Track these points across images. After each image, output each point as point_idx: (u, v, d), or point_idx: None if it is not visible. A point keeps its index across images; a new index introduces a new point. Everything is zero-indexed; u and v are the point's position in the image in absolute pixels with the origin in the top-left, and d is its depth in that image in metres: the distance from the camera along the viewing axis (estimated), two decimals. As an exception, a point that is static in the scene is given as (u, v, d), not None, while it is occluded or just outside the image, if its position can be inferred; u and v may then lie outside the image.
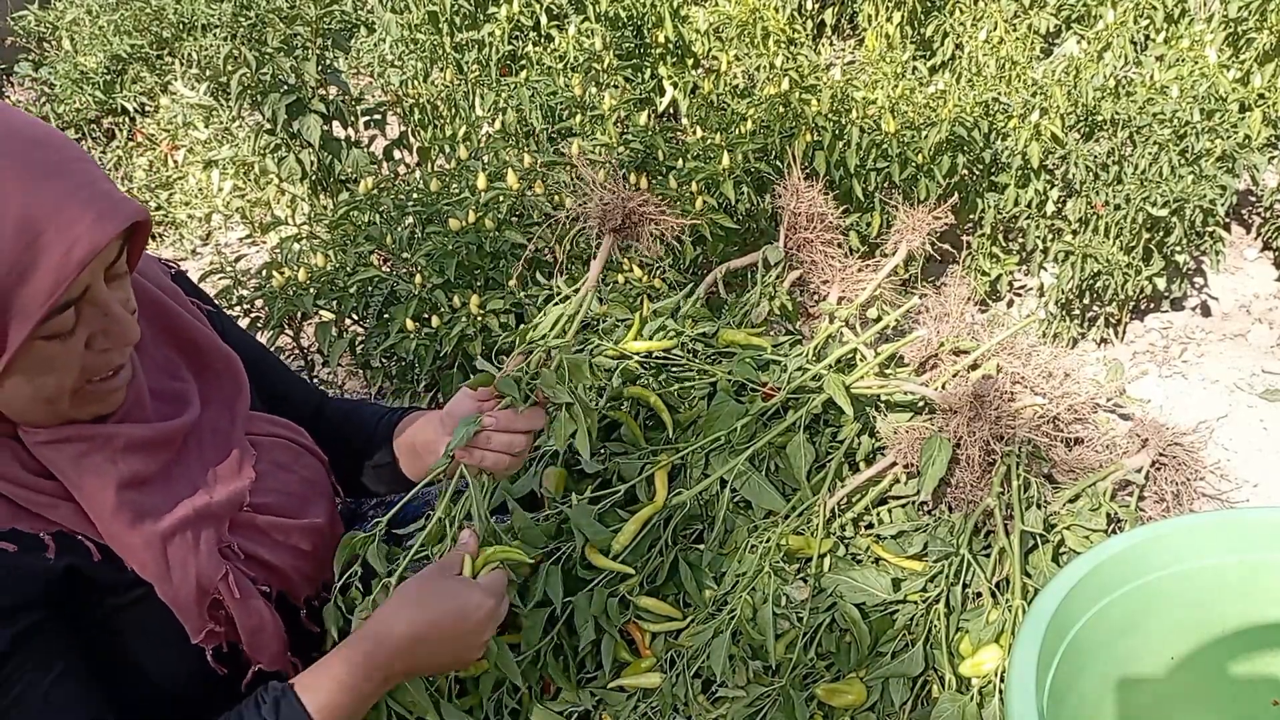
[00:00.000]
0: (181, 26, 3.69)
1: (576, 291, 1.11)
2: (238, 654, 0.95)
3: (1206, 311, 2.74)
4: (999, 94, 2.71)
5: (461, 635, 0.94)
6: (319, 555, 1.05)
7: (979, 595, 1.25)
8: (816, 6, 3.90)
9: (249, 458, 1.00)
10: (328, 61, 2.66)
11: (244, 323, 1.89)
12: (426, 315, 1.75)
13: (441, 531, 1.05)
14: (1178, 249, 2.45)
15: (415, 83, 3.04)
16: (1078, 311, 2.60)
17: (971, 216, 2.68)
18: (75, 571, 0.84)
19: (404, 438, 1.16)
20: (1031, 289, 2.79)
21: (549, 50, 2.82)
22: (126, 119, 3.81)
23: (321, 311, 1.85)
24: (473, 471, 1.05)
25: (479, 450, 1.03)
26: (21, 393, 0.79)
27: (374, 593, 0.99)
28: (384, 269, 1.90)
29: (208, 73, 3.38)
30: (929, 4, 3.63)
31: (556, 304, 1.11)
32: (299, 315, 1.92)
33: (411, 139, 2.93)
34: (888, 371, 1.53)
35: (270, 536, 0.99)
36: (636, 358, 1.46)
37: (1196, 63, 2.65)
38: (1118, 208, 2.38)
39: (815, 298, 1.78)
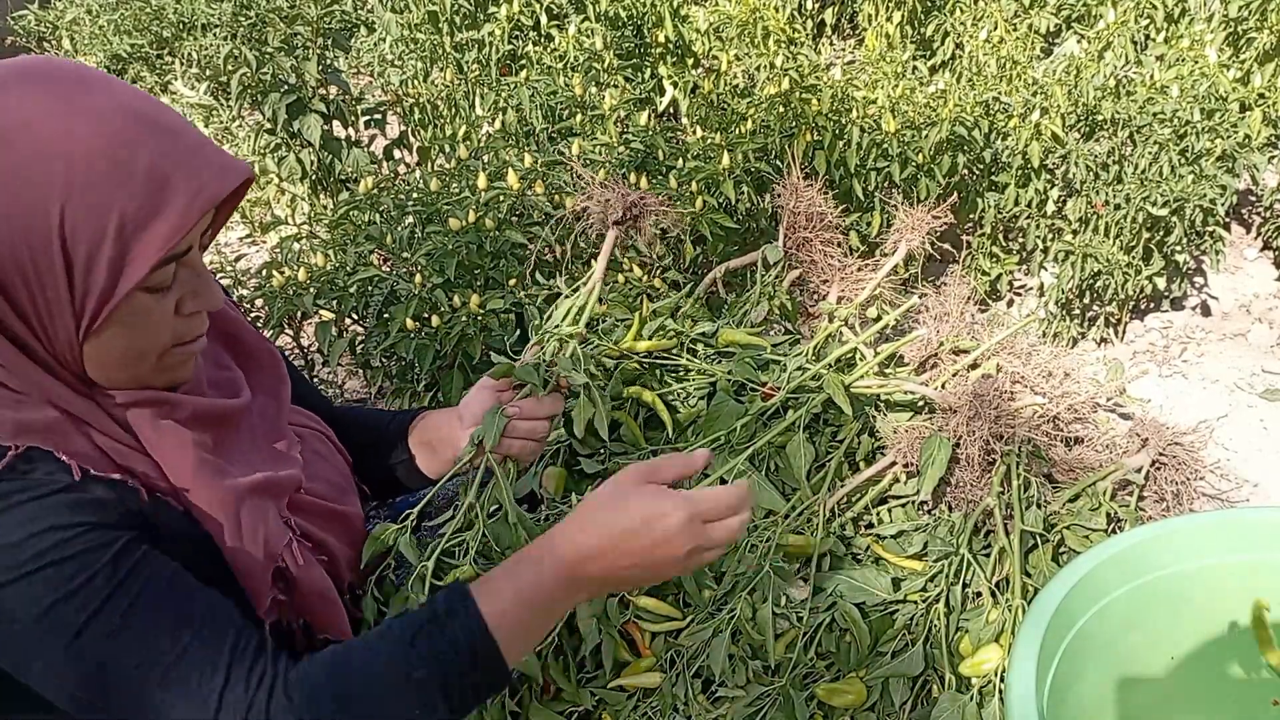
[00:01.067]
0: (181, 26, 3.69)
1: (585, 284, 1.14)
2: (292, 634, 0.94)
3: (1206, 311, 2.74)
4: (999, 93, 2.71)
5: (648, 549, 0.85)
6: (358, 544, 1.07)
7: (979, 595, 1.25)
8: (816, 6, 3.90)
9: (295, 445, 1.02)
10: (328, 61, 2.66)
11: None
12: (426, 315, 1.75)
13: (471, 520, 1.06)
14: (1178, 249, 2.45)
15: (415, 82, 3.04)
16: (1078, 311, 2.60)
17: (971, 216, 2.68)
18: (162, 522, 0.84)
19: (418, 435, 1.18)
20: (1031, 289, 2.79)
21: (549, 50, 2.82)
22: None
23: (321, 311, 1.85)
24: (497, 460, 1.07)
25: (506, 439, 1.06)
26: (115, 345, 0.80)
27: (410, 581, 1.01)
28: (384, 269, 1.90)
29: (208, 72, 3.38)
30: (929, 4, 3.63)
31: (566, 297, 1.14)
32: (299, 315, 1.92)
33: (411, 139, 2.93)
34: (887, 371, 1.53)
35: (323, 519, 1.00)
36: (637, 357, 1.46)
37: (1197, 62, 2.65)
38: (1118, 207, 2.38)
39: (815, 297, 1.78)
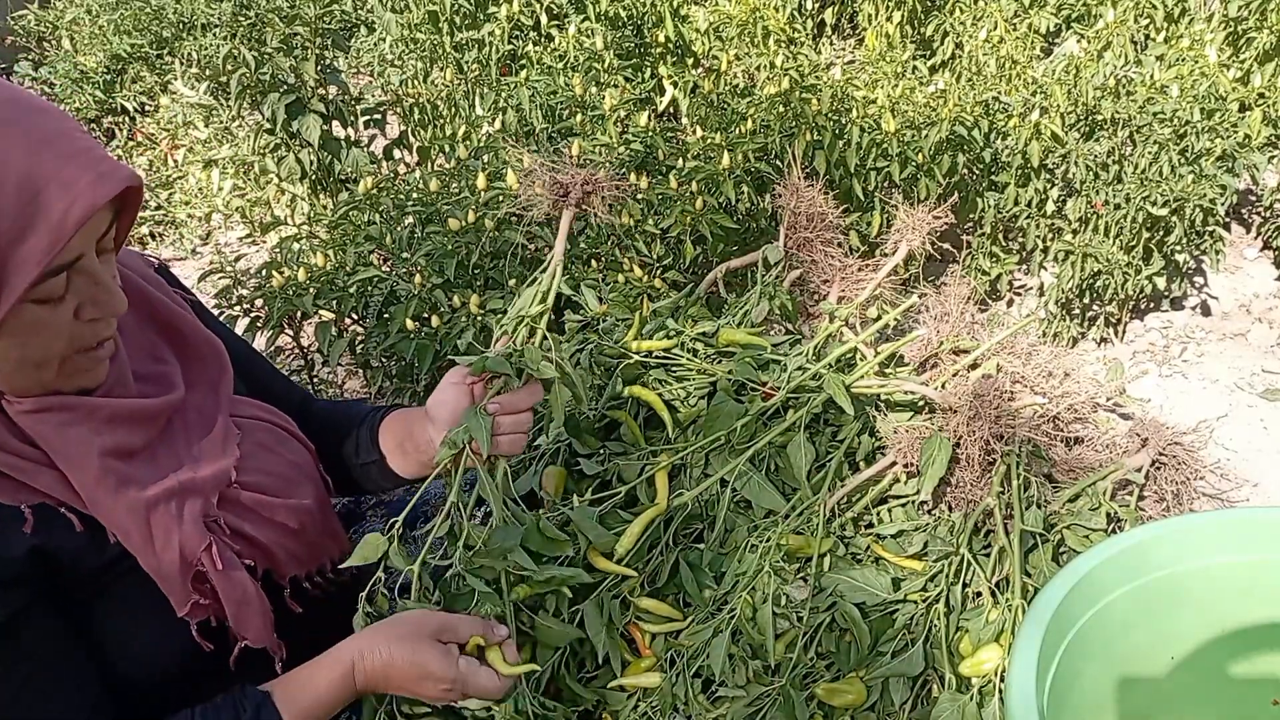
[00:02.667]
0: (181, 26, 3.68)
1: (545, 268, 1.12)
2: (224, 631, 0.95)
3: (1206, 311, 2.74)
4: (999, 93, 2.71)
5: (419, 690, 0.98)
6: (307, 536, 1.05)
7: (979, 595, 1.25)
8: (816, 6, 3.90)
9: (234, 437, 1.01)
10: (327, 61, 2.66)
11: (244, 323, 1.89)
12: (426, 315, 1.75)
13: (459, 524, 1.05)
14: (1178, 248, 2.45)
15: (415, 82, 3.04)
16: (1078, 311, 2.60)
17: (971, 216, 2.68)
18: (52, 552, 0.84)
19: (390, 437, 1.16)
20: (1031, 289, 2.79)
21: (549, 50, 2.82)
22: (126, 118, 3.81)
23: (321, 311, 1.85)
24: (481, 461, 1.05)
25: (494, 437, 1.04)
26: (9, 357, 0.80)
27: (413, 596, 1.02)
28: (384, 269, 1.90)
29: (207, 72, 3.38)
30: (929, 3, 3.63)
31: (529, 285, 1.12)
32: (299, 315, 1.91)
33: (411, 139, 2.93)
34: (888, 371, 1.53)
35: (256, 513, 0.99)
36: (637, 357, 1.46)
37: (1196, 62, 2.65)
38: (1118, 207, 2.38)
39: (815, 297, 1.78)
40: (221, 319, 1.67)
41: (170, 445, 0.94)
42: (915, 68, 3.11)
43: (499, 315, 1.73)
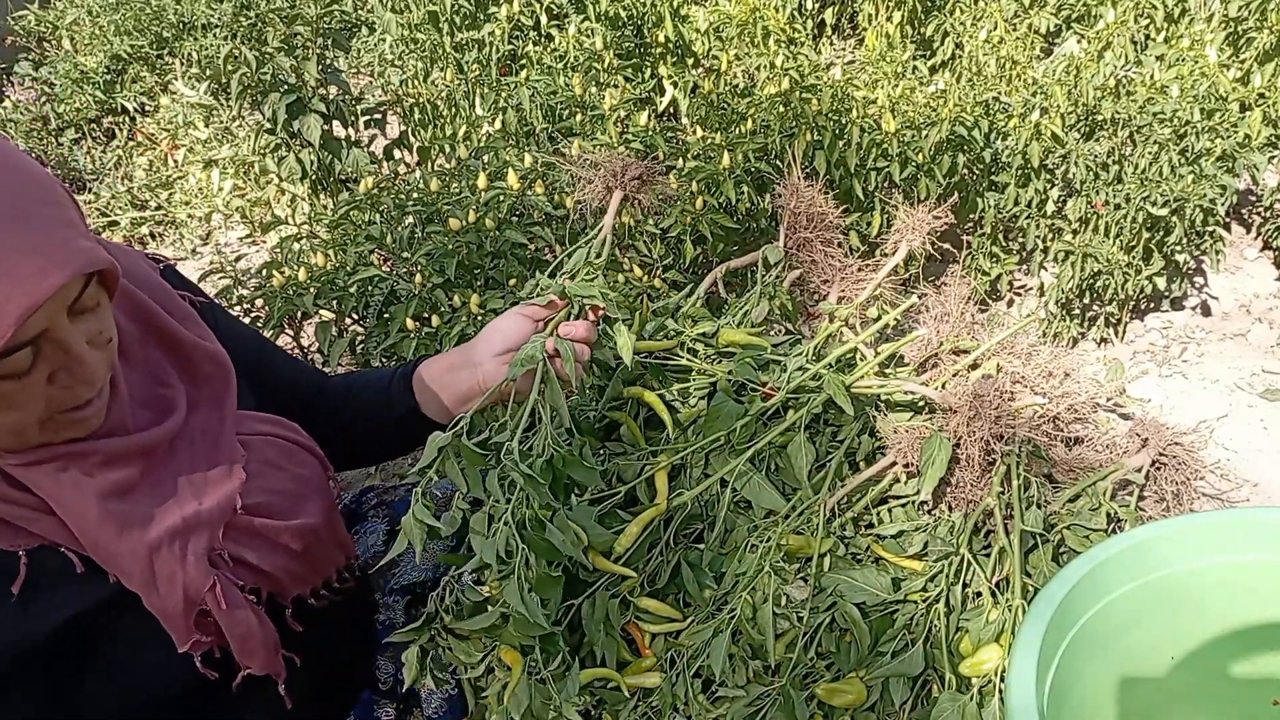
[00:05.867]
0: (181, 26, 3.69)
1: (595, 236, 1.18)
2: (228, 658, 0.94)
3: (1206, 311, 2.74)
4: (999, 93, 2.71)
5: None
6: (310, 555, 1.04)
7: (979, 595, 1.25)
8: (816, 6, 3.90)
9: (239, 458, 0.98)
10: (328, 61, 2.66)
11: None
12: (426, 315, 1.75)
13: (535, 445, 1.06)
14: (1178, 248, 2.45)
15: (415, 82, 3.04)
16: (1078, 311, 2.60)
17: (971, 216, 2.68)
18: (48, 600, 0.83)
19: (426, 374, 1.16)
20: (1031, 289, 2.79)
21: (549, 50, 2.82)
22: (127, 118, 3.81)
23: (321, 311, 1.85)
24: (536, 393, 1.06)
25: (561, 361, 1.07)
26: None
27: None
28: (384, 269, 1.90)
29: (208, 72, 3.38)
30: (929, 3, 3.63)
31: (578, 248, 1.17)
32: (299, 315, 1.92)
33: (411, 139, 2.93)
34: (888, 371, 1.53)
35: (262, 538, 0.97)
36: (637, 357, 1.46)
37: (1197, 62, 2.65)
38: (1118, 207, 2.38)
39: (815, 297, 1.78)
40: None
41: (173, 471, 0.91)
42: (915, 68, 3.11)
43: (499, 314, 1.73)
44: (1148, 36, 3.16)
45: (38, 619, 0.83)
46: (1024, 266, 2.77)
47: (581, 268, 1.16)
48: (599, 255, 1.17)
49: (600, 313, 1.15)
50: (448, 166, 2.23)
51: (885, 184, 2.48)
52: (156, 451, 0.90)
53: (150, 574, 0.85)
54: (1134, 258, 2.43)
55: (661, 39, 3.01)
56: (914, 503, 1.38)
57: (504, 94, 2.50)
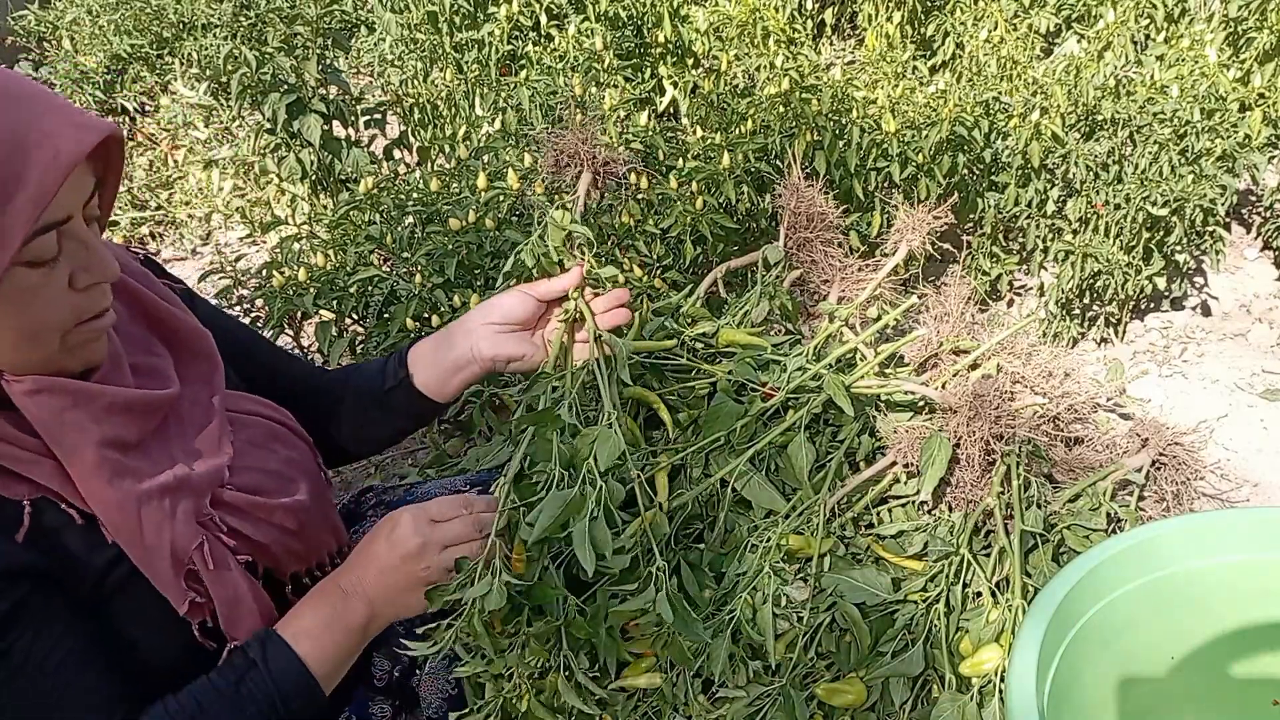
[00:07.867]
0: (181, 26, 3.68)
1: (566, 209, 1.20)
2: (221, 633, 0.95)
3: (1206, 311, 2.74)
4: (999, 93, 2.71)
5: (389, 552, 0.98)
6: (306, 533, 1.05)
7: (979, 595, 1.25)
8: (816, 6, 3.90)
9: (227, 434, 1.00)
10: (328, 61, 2.66)
11: (244, 323, 1.89)
12: (426, 315, 1.75)
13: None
14: (1178, 248, 2.45)
15: (415, 82, 3.04)
16: (1078, 311, 2.60)
17: (971, 216, 2.68)
18: (52, 548, 0.84)
19: (421, 350, 1.18)
20: (1031, 289, 2.79)
21: (549, 50, 2.82)
22: (127, 119, 3.81)
23: (321, 311, 1.85)
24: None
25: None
26: (8, 325, 0.79)
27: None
28: (384, 268, 1.90)
29: (208, 72, 3.38)
30: (929, 3, 3.63)
31: (549, 221, 1.18)
32: (299, 315, 1.92)
33: (411, 139, 2.93)
34: (888, 371, 1.53)
35: (253, 515, 0.99)
36: (637, 357, 1.46)
37: (1197, 62, 2.65)
38: (1118, 207, 2.38)
39: (815, 297, 1.78)
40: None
41: (165, 441, 0.94)
42: (915, 68, 3.11)
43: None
44: (1148, 36, 3.16)
45: (45, 556, 0.84)
46: (1024, 266, 2.77)
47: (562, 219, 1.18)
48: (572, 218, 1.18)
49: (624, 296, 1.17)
50: (447, 166, 2.23)
51: (885, 184, 2.48)
52: (155, 413, 0.93)
53: (137, 525, 0.87)
54: (1134, 258, 2.43)
55: (661, 39, 3.01)
56: (914, 503, 1.38)
57: (504, 94, 2.50)
